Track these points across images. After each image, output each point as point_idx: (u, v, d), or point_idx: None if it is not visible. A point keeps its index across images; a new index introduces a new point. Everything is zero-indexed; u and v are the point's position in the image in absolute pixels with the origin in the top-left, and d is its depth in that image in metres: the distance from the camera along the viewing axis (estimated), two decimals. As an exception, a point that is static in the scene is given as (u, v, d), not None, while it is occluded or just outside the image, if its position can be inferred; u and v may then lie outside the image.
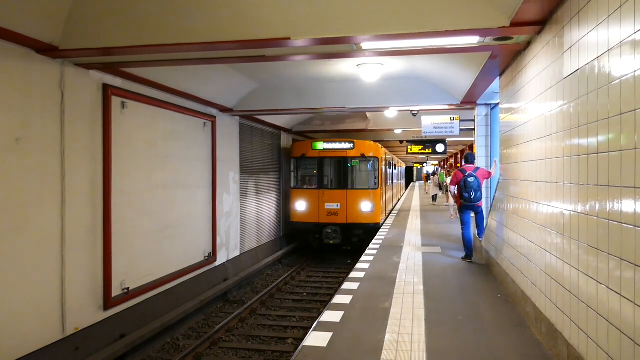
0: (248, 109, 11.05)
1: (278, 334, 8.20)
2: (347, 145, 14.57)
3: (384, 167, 16.16)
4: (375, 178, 14.57)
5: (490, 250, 7.82)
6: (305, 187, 14.88)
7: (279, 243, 15.20)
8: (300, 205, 14.69)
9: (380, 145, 15.68)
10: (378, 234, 12.88)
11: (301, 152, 14.83)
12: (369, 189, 14.43)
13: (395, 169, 25.10)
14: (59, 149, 5.92)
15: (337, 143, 14.59)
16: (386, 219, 16.60)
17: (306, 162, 14.93)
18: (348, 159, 14.52)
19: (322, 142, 14.69)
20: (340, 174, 14.60)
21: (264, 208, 14.06)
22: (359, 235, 14.28)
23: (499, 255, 6.97)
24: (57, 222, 5.90)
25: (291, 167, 15.13)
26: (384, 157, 16.21)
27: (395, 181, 25.04)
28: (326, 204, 14.40)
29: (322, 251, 15.34)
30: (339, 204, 14.32)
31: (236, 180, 11.96)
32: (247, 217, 12.73)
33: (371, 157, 14.53)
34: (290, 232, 15.94)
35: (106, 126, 6.76)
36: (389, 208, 19.17)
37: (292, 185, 15.05)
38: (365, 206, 14.23)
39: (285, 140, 16.09)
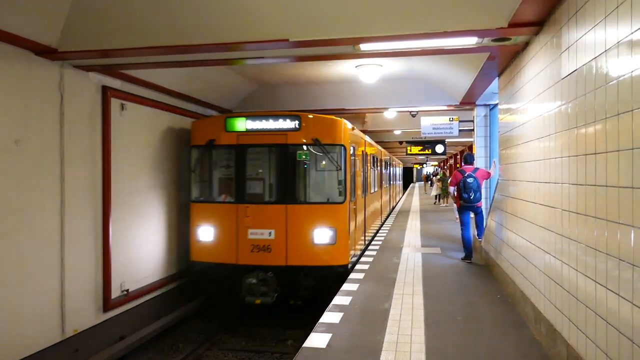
0: (247, 110, 11.06)
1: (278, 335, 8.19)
2: (288, 124, 8.11)
3: (360, 162, 9.74)
4: (341, 183, 8.13)
5: (490, 251, 7.82)
6: (214, 199, 8.59)
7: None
8: (205, 233, 8.29)
9: (351, 126, 8.94)
10: (378, 233, 12.56)
11: (207, 137, 8.34)
12: (328, 202, 8.16)
13: (386, 167, 17.50)
14: (58, 150, 5.92)
15: (271, 119, 8.17)
16: (365, 250, 10.10)
17: (216, 154, 8.54)
18: (290, 149, 8.10)
19: (243, 119, 8.26)
20: (277, 176, 8.28)
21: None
22: (308, 287, 8.06)
23: (498, 255, 6.97)
24: (57, 224, 5.91)
25: (191, 163, 8.57)
26: (360, 146, 9.82)
27: (386, 185, 17.05)
28: (250, 230, 8.05)
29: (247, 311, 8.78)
30: (272, 231, 7.99)
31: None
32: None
33: (333, 144, 8.03)
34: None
35: (105, 128, 6.77)
36: (372, 232, 12.03)
37: (193, 196, 8.53)
38: (322, 235, 7.93)
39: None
